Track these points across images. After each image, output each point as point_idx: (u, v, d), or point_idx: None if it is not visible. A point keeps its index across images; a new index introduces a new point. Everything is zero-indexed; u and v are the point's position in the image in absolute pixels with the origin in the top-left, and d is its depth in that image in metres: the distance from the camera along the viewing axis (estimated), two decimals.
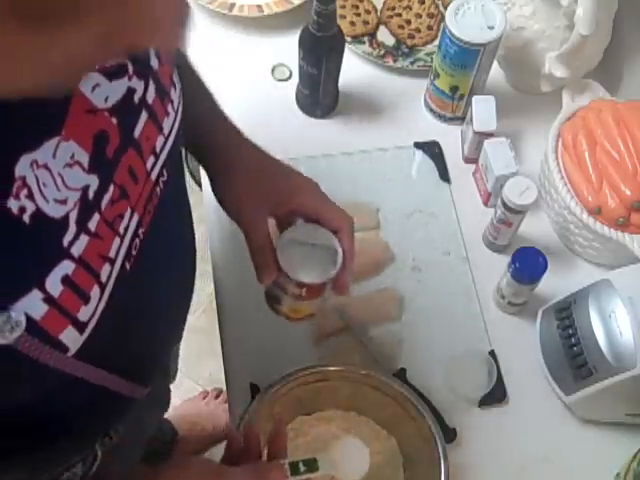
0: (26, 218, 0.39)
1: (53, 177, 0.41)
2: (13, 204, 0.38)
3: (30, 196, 0.39)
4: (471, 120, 0.98)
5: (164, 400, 0.91)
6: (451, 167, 1.03)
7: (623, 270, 0.83)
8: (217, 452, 1.37)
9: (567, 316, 0.84)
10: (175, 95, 0.53)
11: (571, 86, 1.00)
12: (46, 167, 0.40)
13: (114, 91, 0.45)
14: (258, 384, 0.84)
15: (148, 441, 0.91)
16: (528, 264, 0.85)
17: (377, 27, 1.13)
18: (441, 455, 0.75)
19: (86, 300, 0.45)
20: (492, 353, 0.89)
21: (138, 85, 0.47)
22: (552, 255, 0.88)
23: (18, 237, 0.39)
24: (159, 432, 1.32)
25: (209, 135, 0.70)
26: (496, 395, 0.87)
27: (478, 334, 0.91)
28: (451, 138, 1.05)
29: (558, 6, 0.95)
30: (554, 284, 0.91)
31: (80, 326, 0.45)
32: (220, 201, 0.71)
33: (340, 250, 0.68)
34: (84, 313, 0.45)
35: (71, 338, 0.44)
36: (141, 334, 0.58)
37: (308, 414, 0.83)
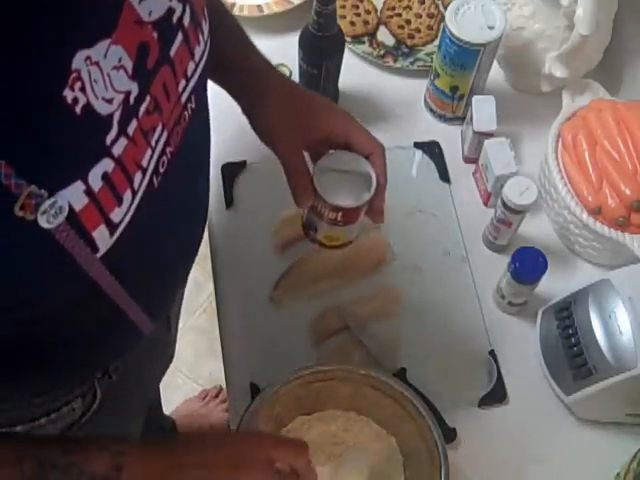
0: (78, 109, 0.42)
1: (103, 76, 0.44)
2: (68, 94, 0.41)
3: (83, 89, 0.42)
4: (471, 120, 0.98)
5: (165, 355, 0.92)
6: (451, 167, 1.03)
7: (623, 270, 0.83)
8: None
9: (567, 316, 0.84)
10: (205, 27, 0.56)
11: (571, 86, 1.00)
12: (98, 65, 0.43)
13: (157, 7, 0.48)
14: (258, 384, 0.84)
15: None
16: (528, 264, 0.85)
17: (377, 27, 1.13)
18: (441, 455, 0.75)
19: (120, 202, 0.48)
20: (492, 353, 0.89)
21: (177, 7, 0.50)
22: (552, 255, 0.88)
23: (70, 127, 0.43)
24: (160, 430, 1.32)
25: (242, 61, 0.75)
26: (496, 395, 0.87)
27: (478, 334, 0.91)
28: (451, 138, 1.05)
29: (558, 6, 0.95)
30: (554, 284, 0.91)
31: (111, 227, 0.48)
32: (254, 128, 0.74)
33: (374, 175, 0.70)
34: (117, 214, 0.48)
35: (102, 237, 0.47)
36: (158, 256, 0.60)
37: (308, 414, 0.83)
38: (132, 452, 0.57)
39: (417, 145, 1.04)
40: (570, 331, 0.83)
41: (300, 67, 1.00)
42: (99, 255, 0.48)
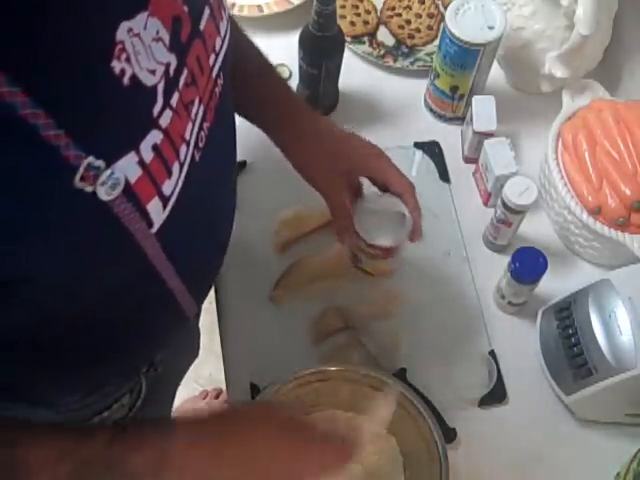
0: (126, 80, 0.44)
1: (145, 47, 0.45)
2: (116, 65, 0.43)
3: (128, 60, 0.43)
4: (471, 120, 0.98)
5: (193, 347, 0.93)
6: (451, 167, 1.03)
7: (623, 270, 0.83)
8: None
9: (567, 316, 0.84)
10: (225, 6, 0.58)
11: (571, 86, 1.00)
12: (139, 37, 0.44)
13: None
14: (258, 384, 0.84)
15: None
16: (528, 264, 0.85)
17: (377, 27, 1.13)
18: (441, 455, 0.75)
19: (169, 173, 0.49)
20: (492, 353, 0.89)
21: None
22: (552, 255, 0.88)
23: (120, 98, 0.44)
24: None
25: (277, 101, 0.78)
26: (496, 395, 0.87)
27: (478, 334, 0.91)
28: (451, 138, 1.05)
29: (558, 6, 0.95)
30: (554, 284, 0.91)
31: (164, 199, 0.49)
32: (295, 168, 0.79)
33: (408, 214, 0.78)
34: (168, 186, 0.49)
35: (156, 211, 0.48)
36: (201, 234, 0.61)
37: (308, 414, 0.83)
38: (182, 452, 0.53)
39: (417, 145, 1.04)
40: (570, 331, 0.83)
41: (300, 67, 1.00)
42: (153, 230, 0.49)
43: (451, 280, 0.95)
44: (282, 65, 1.09)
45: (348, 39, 1.09)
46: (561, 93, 1.00)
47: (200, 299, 0.69)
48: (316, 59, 0.96)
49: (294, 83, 1.06)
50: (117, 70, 0.43)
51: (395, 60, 1.10)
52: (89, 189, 0.42)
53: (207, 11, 0.52)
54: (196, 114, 0.52)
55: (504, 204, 0.89)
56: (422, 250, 0.96)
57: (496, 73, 1.06)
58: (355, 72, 1.09)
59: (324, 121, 0.82)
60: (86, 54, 0.41)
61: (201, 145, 0.54)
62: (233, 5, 1.10)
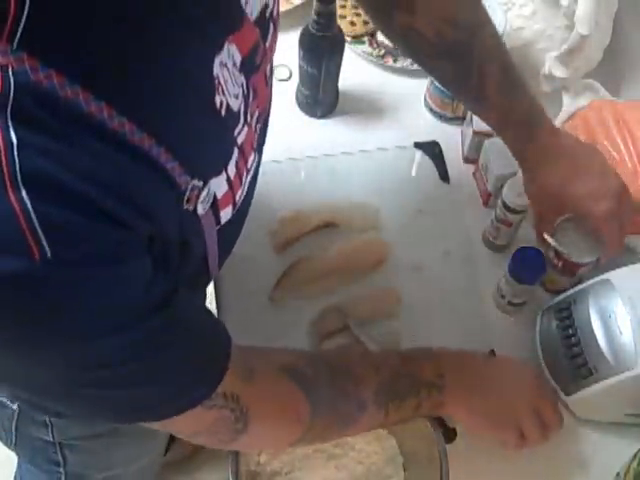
0: (223, 111, 0.48)
1: (230, 75, 0.48)
2: (217, 99, 0.47)
3: (222, 92, 0.47)
4: (471, 120, 0.98)
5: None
6: (451, 167, 1.03)
7: (623, 270, 0.83)
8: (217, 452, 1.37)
9: (567, 316, 0.84)
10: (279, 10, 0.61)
11: (571, 86, 1.00)
12: (226, 66, 0.47)
13: (257, 5, 0.52)
14: None
15: None
16: (528, 264, 0.85)
17: None
18: (441, 455, 0.75)
19: (242, 184, 0.54)
20: (492, 353, 0.89)
21: (269, 2, 0.55)
22: None
23: (219, 127, 0.49)
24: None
25: (528, 119, 0.79)
26: None
27: (478, 334, 0.91)
28: (451, 138, 1.05)
29: (558, 6, 0.95)
30: None
31: (235, 206, 0.54)
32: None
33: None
34: (239, 195, 0.54)
35: (225, 215, 0.53)
36: (240, 227, 0.67)
37: None
38: (449, 361, 0.72)
39: (417, 145, 1.04)
40: (570, 331, 0.83)
41: (300, 67, 1.00)
42: (217, 227, 0.53)
43: (451, 280, 0.94)
44: (282, 65, 1.09)
45: (348, 39, 1.09)
46: (561, 93, 1.00)
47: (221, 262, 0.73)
48: (316, 59, 0.96)
49: (294, 83, 1.06)
50: (218, 104, 0.47)
51: (395, 60, 1.10)
52: (191, 208, 0.47)
53: (271, 29, 0.56)
54: (257, 123, 0.57)
55: (504, 204, 0.89)
56: (422, 250, 0.96)
57: None
58: (355, 72, 1.09)
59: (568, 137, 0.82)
60: (195, 94, 0.45)
61: (256, 147, 0.58)
62: None
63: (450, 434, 0.83)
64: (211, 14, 0.44)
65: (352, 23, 1.12)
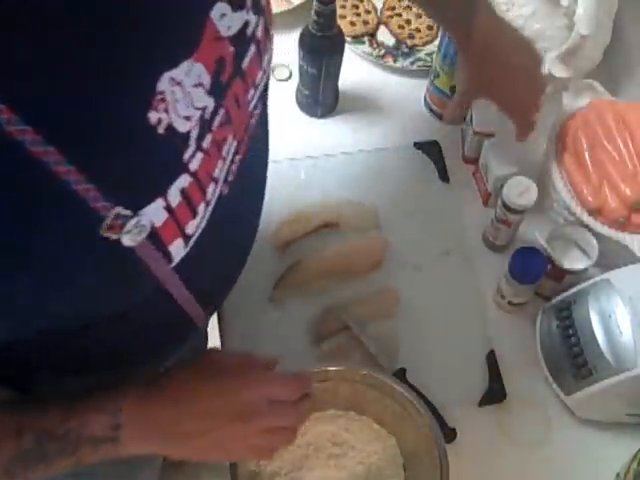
0: (160, 130, 0.43)
1: (184, 95, 0.44)
2: (152, 116, 0.42)
3: (166, 110, 0.43)
4: (471, 120, 0.98)
5: (200, 350, 0.92)
6: (451, 167, 1.03)
7: (623, 270, 0.83)
8: None
9: (567, 316, 0.84)
10: (271, 34, 0.57)
11: (571, 86, 1.00)
12: (180, 85, 0.44)
13: (235, 22, 0.48)
14: None
15: None
16: (528, 264, 0.85)
17: (377, 27, 1.13)
18: (441, 455, 0.75)
19: (194, 214, 0.49)
20: (492, 353, 0.89)
21: (252, 19, 0.51)
22: None
23: (153, 147, 0.44)
24: None
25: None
26: (496, 395, 0.87)
27: (478, 334, 0.91)
28: (451, 138, 1.05)
29: (558, 6, 0.95)
30: None
31: (186, 239, 0.49)
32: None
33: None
34: (191, 227, 0.49)
35: (177, 249, 0.49)
36: (222, 260, 0.62)
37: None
38: (130, 407, 0.56)
39: (417, 145, 1.04)
40: (570, 331, 0.83)
41: (300, 67, 1.00)
42: (172, 265, 0.49)
43: (451, 280, 0.94)
44: (282, 65, 1.09)
45: (348, 39, 1.09)
46: (561, 93, 1.00)
47: (212, 310, 0.69)
48: (316, 59, 0.96)
49: (294, 83, 1.06)
50: (153, 120, 0.43)
51: (395, 60, 1.10)
52: (114, 237, 0.43)
53: (252, 49, 0.52)
54: (228, 151, 0.52)
55: (504, 204, 0.89)
56: (422, 250, 0.96)
57: None
58: (355, 72, 1.09)
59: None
60: (121, 107, 0.41)
61: (230, 179, 0.54)
62: None
63: (450, 434, 0.83)
64: (164, 28, 0.42)
65: (352, 23, 1.12)
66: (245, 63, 0.51)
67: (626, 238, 0.88)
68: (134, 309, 0.51)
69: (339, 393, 0.82)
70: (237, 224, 0.62)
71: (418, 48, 1.11)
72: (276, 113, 1.06)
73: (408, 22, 1.13)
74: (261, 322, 0.90)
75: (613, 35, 1.02)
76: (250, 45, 0.51)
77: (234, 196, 0.55)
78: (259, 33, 0.52)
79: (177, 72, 0.43)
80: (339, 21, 0.94)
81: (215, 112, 0.48)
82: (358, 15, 1.13)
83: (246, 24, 0.50)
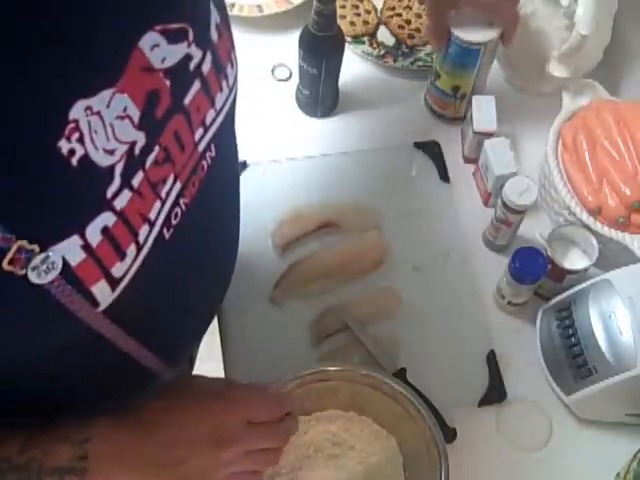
0: (74, 161, 0.40)
1: (104, 126, 0.42)
2: (63, 145, 0.39)
3: (81, 140, 0.40)
4: (471, 120, 0.98)
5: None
6: (451, 167, 1.03)
7: (623, 270, 0.83)
8: None
9: (567, 316, 0.84)
10: (231, 73, 0.54)
11: (571, 86, 1.00)
12: (99, 115, 0.41)
13: (172, 54, 0.46)
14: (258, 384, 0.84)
15: None
16: (528, 264, 0.85)
17: (377, 27, 1.13)
18: (441, 455, 0.75)
19: (122, 256, 0.46)
20: (492, 353, 0.89)
21: (196, 54, 0.48)
22: None
23: (65, 180, 0.40)
24: None
25: None
26: (496, 395, 0.87)
27: (478, 334, 0.91)
28: (451, 138, 1.05)
29: (558, 6, 0.95)
30: None
31: (113, 282, 0.46)
32: None
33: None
34: (118, 269, 0.46)
35: (103, 292, 0.45)
36: (173, 308, 0.58)
37: (308, 414, 0.83)
38: (98, 437, 0.53)
39: (417, 145, 1.04)
40: (570, 331, 0.83)
41: (300, 67, 1.00)
42: (100, 309, 0.46)
43: (451, 280, 0.94)
44: (282, 65, 1.09)
45: (348, 39, 1.09)
46: (561, 93, 1.00)
47: (176, 363, 0.66)
48: (316, 59, 0.96)
49: (294, 83, 1.06)
50: (65, 151, 0.39)
51: (395, 60, 1.10)
52: (20, 272, 0.39)
53: (197, 85, 0.48)
54: (168, 192, 0.49)
55: (504, 204, 0.89)
56: (422, 250, 0.96)
57: (496, 73, 1.06)
58: (355, 72, 1.09)
59: None
60: (27, 133, 0.38)
61: (174, 222, 0.51)
62: (233, 5, 1.10)
63: (450, 434, 0.83)
64: (80, 53, 0.39)
65: (352, 23, 1.12)
66: (187, 99, 0.48)
67: (626, 238, 0.88)
68: (65, 353, 0.47)
69: (339, 393, 0.82)
70: (191, 272, 0.58)
71: (418, 48, 1.11)
72: (276, 113, 1.07)
73: (408, 22, 1.13)
74: (261, 322, 0.90)
75: (613, 35, 1.02)
76: (194, 80, 0.48)
77: (181, 242, 0.52)
78: (205, 69, 0.49)
79: (94, 101, 0.40)
80: (339, 21, 0.94)
81: (148, 149, 0.45)
82: (358, 15, 1.13)
83: (187, 57, 0.47)
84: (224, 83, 0.52)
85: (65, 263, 0.42)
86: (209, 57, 0.49)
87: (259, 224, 0.95)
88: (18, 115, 0.37)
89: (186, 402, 0.58)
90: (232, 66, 0.54)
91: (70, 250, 0.42)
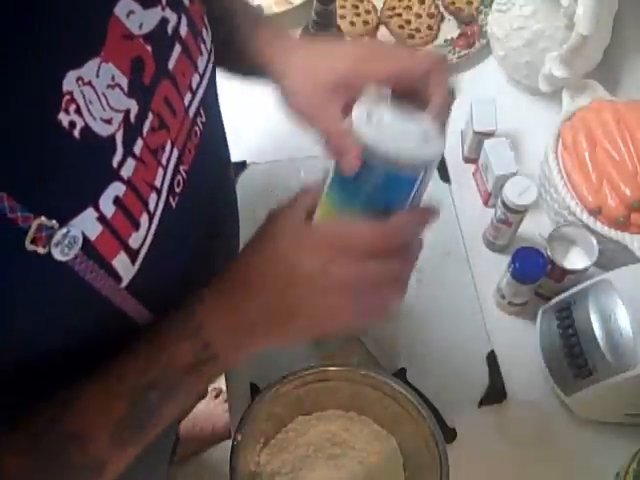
0: (76, 133, 0.41)
1: (98, 96, 0.42)
2: (63, 118, 0.40)
3: (78, 111, 0.41)
4: (471, 120, 0.98)
5: None
6: (451, 167, 1.03)
7: (623, 270, 0.83)
8: (217, 452, 1.37)
9: (567, 316, 0.84)
10: (207, 36, 0.54)
11: (571, 86, 1.00)
12: (91, 85, 0.42)
13: (148, 19, 0.46)
14: (258, 384, 0.84)
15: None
16: (528, 264, 0.85)
17: (377, 27, 1.13)
18: (441, 455, 0.75)
19: (136, 226, 0.46)
20: (492, 353, 0.89)
21: (171, 17, 0.48)
22: None
23: (71, 152, 0.41)
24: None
25: (266, 54, 0.67)
26: (496, 395, 0.87)
27: (478, 334, 0.91)
28: (451, 138, 1.05)
29: (558, 6, 0.95)
30: None
31: (132, 254, 0.46)
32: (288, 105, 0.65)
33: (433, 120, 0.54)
34: (135, 240, 0.46)
35: (124, 266, 0.46)
36: (183, 274, 0.57)
37: (308, 414, 0.83)
38: (207, 322, 0.50)
39: None
40: (570, 331, 0.83)
41: None
42: (123, 285, 0.46)
43: (451, 280, 0.94)
44: None
45: (348, 39, 1.09)
46: (561, 93, 1.00)
47: None
48: None
49: None
50: (65, 123, 0.40)
51: None
52: (43, 251, 0.40)
53: (178, 48, 0.49)
54: (168, 159, 0.49)
55: (504, 204, 0.89)
56: (422, 250, 0.96)
57: (496, 73, 1.06)
58: None
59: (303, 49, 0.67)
60: (27, 109, 0.38)
61: (178, 190, 0.51)
62: None
63: (450, 434, 0.83)
64: (63, 25, 0.40)
65: (352, 23, 1.12)
66: (171, 64, 0.48)
67: (626, 238, 0.88)
68: (87, 330, 0.48)
69: (339, 393, 0.82)
70: (197, 239, 0.58)
71: (418, 48, 1.11)
72: (276, 113, 1.06)
73: (408, 22, 1.13)
74: None
75: (613, 35, 1.02)
76: (174, 44, 0.49)
77: (186, 210, 0.52)
78: (183, 32, 0.49)
79: (84, 71, 0.41)
80: (339, 21, 0.94)
81: (143, 116, 0.46)
82: (358, 15, 1.13)
83: (164, 21, 0.47)
84: (202, 46, 0.53)
85: (85, 237, 0.42)
86: (184, 20, 0.50)
87: (259, 224, 0.95)
88: (16, 93, 0.38)
89: (275, 244, 0.55)
90: (207, 30, 0.54)
91: (88, 223, 0.42)
